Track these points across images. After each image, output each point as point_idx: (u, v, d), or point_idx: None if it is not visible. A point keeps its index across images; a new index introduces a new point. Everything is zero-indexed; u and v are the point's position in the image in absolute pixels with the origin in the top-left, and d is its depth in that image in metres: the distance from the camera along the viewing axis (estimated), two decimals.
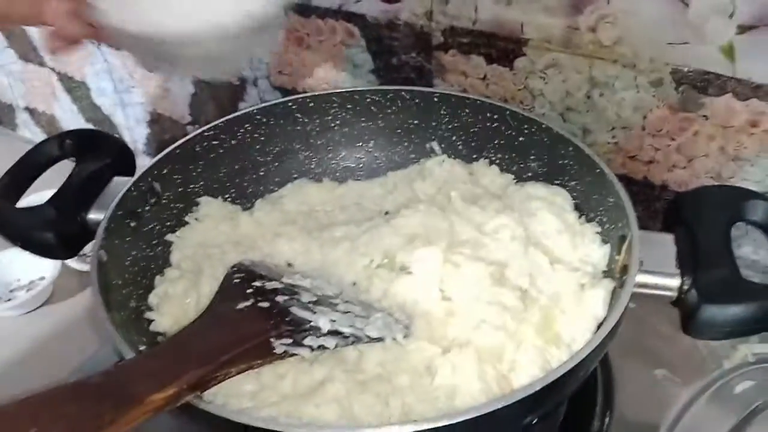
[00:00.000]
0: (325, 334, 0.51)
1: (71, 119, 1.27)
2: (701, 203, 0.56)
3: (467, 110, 0.71)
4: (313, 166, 0.76)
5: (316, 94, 0.74)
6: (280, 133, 0.73)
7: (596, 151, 0.71)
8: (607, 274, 0.57)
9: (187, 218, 0.67)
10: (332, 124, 0.75)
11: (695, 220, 0.54)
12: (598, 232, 0.60)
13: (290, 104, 0.73)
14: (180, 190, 0.67)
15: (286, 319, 0.52)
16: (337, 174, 0.76)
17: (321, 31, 0.85)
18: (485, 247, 0.59)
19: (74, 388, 0.38)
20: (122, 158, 0.69)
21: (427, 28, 0.77)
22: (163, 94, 1.10)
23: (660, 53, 0.66)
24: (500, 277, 0.56)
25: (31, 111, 1.33)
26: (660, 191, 0.73)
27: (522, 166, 0.69)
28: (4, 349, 0.78)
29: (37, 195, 0.68)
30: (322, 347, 0.51)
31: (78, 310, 0.84)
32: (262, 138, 0.73)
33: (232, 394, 0.49)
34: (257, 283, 0.56)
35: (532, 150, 0.68)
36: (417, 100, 0.73)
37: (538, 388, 0.43)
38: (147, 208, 0.63)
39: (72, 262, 0.86)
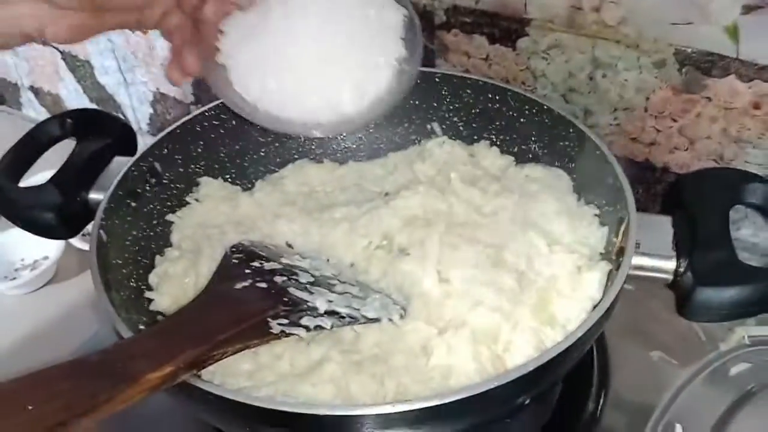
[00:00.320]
0: (321, 315, 0.52)
1: (75, 98, 1.27)
2: (700, 186, 0.56)
3: (468, 91, 0.71)
4: (313, 147, 0.75)
5: None
6: None
7: (598, 132, 0.71)
8: (605, 256, 0.57)
9: (187, 198, 0.67)
10: None
11: (693, 203, 0.54)
12: (596, 215, 0.60)
13: None
14: (180, 170, 0.67)
15: (284, 299, 0.52)
16: (338, 154, 0.76)
17: None
18: (483, 228, 0.59)
19: (71, 366, 0.38)
20: (123, 138, 0.69)
21: (430, 7, 0.76)
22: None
23: (664, 34, 0.65)
24: (497, 259, 0.57)
25: (35, 90, 1.33)
26: (661, 173, 0.73)
27: (523, 147, 0.69)
28: (8, 328, 0.79)
29: (42, 175, 0.68)
30: (318, 327, 0.51)
31: (81, 289, 0.84)
32: None
33: (230, 374, 0.50)
34: (256, 264, 0.56)
35: (533, 131, 0.68)
36: (418, 81, 0.72)
37: (531, 369, 0.43)
38: (147, 188, 0.64)
39: (76, 242, 0.86)
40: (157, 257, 0.62)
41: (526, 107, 0.67)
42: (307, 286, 0.55)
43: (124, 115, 1.21)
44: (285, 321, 0.50)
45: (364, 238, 0.61)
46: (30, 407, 0.34)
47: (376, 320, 0.53)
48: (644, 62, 0.67)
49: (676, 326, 0.64)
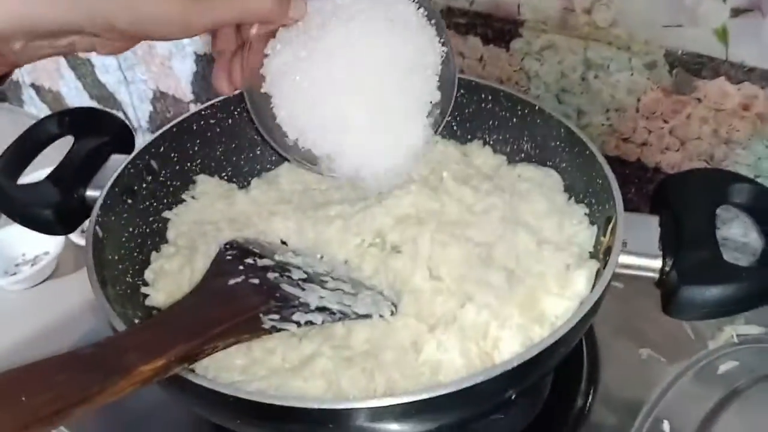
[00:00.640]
0: (313, 311, 0.53)
1: (76, 96, 1.28)
2: (686, 186, 0.56)
3: (462, 91, 0.71)
4: None
5: None
6: None
7: (590, 132, 0.72)
8: (594, 255, 0.57)
9: (183, 196, 0.68)
10: None
11: (680, 203, 0.54)
12: (586, 214, 0.61)
13: None
14: (177, 168, 0.68)
15: (276, 295, 0.53)
16: None
17: None
18: (474, 227, 0.60)
19: (64, 359, 0.39)
20: (121, 136, 0.70)
21: None
22: (166, 72, 1.10)
23: (654, 36, 0.66)
24: (487, 256, 0.57)
25: (36, 88, 1.34)
26: (653, 173, 0.74)
27: (515, 147, 0.70)
28: (9, 323, 0.80)
29: (40, 172, 0.69)
30: (309, 323, 0.52)
31: (81, 284, 0.84)
32: None
33: (223, 368, 0.51)
34: (249, 260, 0.57)
35: (525, 131, 0.68)
36: None
37: (516, 364, 0.44)
38: (144, 185, 0.64)
39: (75, 237, 0.87)
40: (153, 253, 0.63)
41: (519, 107, 0.68)
42: (300, 282, 0.56)
43: (125, 113, 1.22)
44: (276, 317, 0.51)
45: (357, 236, 0.62)
46: (23, 398, 0.34)
47: (367, 316, 0.54)
48: (635, 64, 0.68)
49: (665, 324, 0.65)
